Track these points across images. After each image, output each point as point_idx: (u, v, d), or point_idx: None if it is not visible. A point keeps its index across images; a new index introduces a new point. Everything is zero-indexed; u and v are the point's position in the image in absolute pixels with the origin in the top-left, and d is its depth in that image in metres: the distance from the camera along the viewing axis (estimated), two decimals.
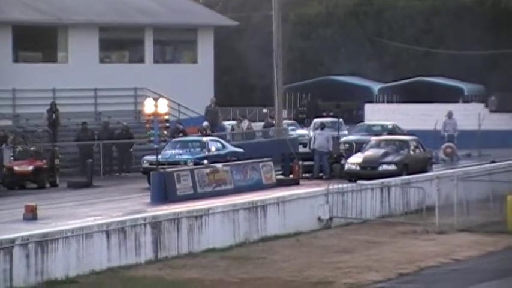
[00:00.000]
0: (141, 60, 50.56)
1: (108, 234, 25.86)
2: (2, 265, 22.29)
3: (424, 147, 43.74)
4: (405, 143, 42.67)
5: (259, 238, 29.83)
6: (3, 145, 41.74)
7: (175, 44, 54.42)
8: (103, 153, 43.84)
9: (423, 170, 40.95)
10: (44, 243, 23.84)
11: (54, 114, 44.37)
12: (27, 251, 22.78)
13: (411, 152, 42.04)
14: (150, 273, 25.19)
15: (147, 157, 41.45)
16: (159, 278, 24.81)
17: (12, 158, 42.21)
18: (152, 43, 51.00)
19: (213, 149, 42.23)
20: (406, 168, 40.51)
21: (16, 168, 40.69)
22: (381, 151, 41.65)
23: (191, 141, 43.40)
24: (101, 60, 49.73)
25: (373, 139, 44.29)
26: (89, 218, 29.73)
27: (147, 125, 40.00)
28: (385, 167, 40.70)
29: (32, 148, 41.97)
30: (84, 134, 44.76)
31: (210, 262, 26.97)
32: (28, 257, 22.89)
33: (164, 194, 37.23)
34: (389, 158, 40.81)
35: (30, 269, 23.01)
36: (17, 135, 43.52)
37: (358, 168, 40.64)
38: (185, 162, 40.53)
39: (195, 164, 40.27)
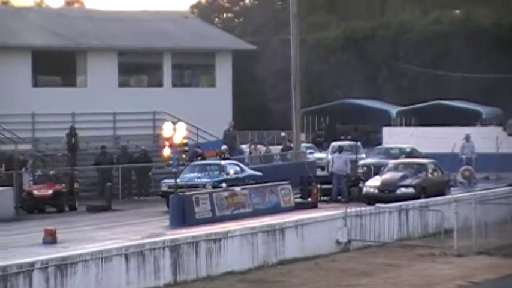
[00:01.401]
0: (160, 84, 50.17)
1: (127, 257, 25.76)
2: None
3: (442, 170, 43.49)
4: (423, 166, 42.47)
5: (278, 261, 29.59)
6: (23, 169, 41.58)
7: (193, 68, 54.15)
8: (122, 177, 43.49)
9: (441, 193, 40.54)
10: (63, 266, 23.64)
11: (73, 138, 44.05)
12: (47, 274, 22.68)
13: (429, 175, 41.78)
14: None
15: (165, 180, 40.92)
16: None
17: (31, 182, 41.85)
18: (171, 67, 50.58)
19: (231, 172, 41.90)
20: (424, 191, 40.20)
21: (35, 192, 40.44)
22: (399, 174, 41.44)
23: (210, 165, 43.10)
24: (120, 84, 49.52)
25: (391, 162, 44.21)
26: (108, 242, 29.72)
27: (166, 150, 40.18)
28: (403, 190, 40.36)
29: (51, 172, 41.83)
30: (103, 158, 44.57)
31: (229, 285, 26.73)
32: (47, 280, 22.78)
33: (183, 217, 36.99)
34: (407, 181, 40.49)
35: None
36: (36, 159, 43.28)
37: (376, 191, 40.45)
38: (204, 186, 40.13)
39: (214, 187, 39.88)
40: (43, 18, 52.17)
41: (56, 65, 48.23)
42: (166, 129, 39.35)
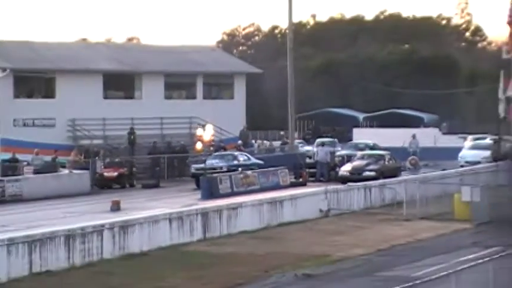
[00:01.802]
0: (194, 97, 50.09)
1: (170, 220, 25.89)
2: (96, 243, 22.51)
3: (395, 159, 43.71)
4: (382, 156, 42.66)
5: (278, 224, 29.42)
6: (96, 158, 41.48)
7: (218, 85, 53.56)
8: (167, 163, 43.38)
9: (395, 175, 40.13)
10: (125, 227, 24.06)
11: (132, 136, 44.13)
12: (113, 233, 22.95)
13: (386, 163, 41.95)
14: (200, 248, 25.00)
15: (194, 165, 41.69)
16: (206, 251, 24.61)
17: (102, 167, 41.99)
18: (202, 85, 50.61)
19: (241, 159, 42.39)
20: (383, 174, 40.05)
21: (105, 174, 40.81)
22: (364, 162, 41.54)
23: (226, 155, 43.61)
24: (166, 97, 49.49)
25: (359, 153, 44.44)
26: (157, 209, 29.67)
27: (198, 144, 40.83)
28: (367, 173, 40.58)
29: (116, 160, 42.08)
30: (154, 150, 44.58)
31: (243, 241, 26.86)
32: (114, 237, 23.05)
33: (210, 192, 37.07)
34: (370, 167, 40.78)
35: (115, 246, 23.25)
36: (106, 150, 43.73)
37: (348, 174, 40.54)
38: (221, 168, 40.45)
39: (228, 169, 40.47)
40: (111, 50, 52.55)
41: (120, 84, 48.34)
42: (199, 130, 41.36)
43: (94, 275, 20.44)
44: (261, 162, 43.83)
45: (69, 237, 21.66)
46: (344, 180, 38.79)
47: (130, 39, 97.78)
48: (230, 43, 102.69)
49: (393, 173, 41.22)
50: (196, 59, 52.87)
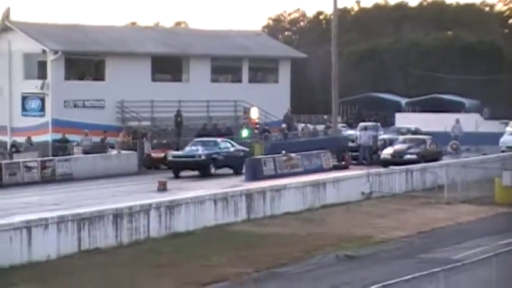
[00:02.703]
0: (240, 80, 50.19)
1: (215, 201, 25.99)
2: (142, 221, 22.81)
3: (437, 143, 43.63)
4: (423, 140, 42.64)
5: (320, 205, 29.51)
6: (144, 139, 41.79)
7: (263, 69, 53.50)
8: None
9: (436, 159, 40.47)
10: (171, 207, 24.20)
11: (179, 118, 44.42)
12: (160, 212, 23.20)
13: (427, 147, 41.89)
14: (244, 228, 25.15)
15: (171, 152, 40.38)
16: (250, 232, 24.74)
17: (150, 148, 42.42)
18: (247, 69, 50.62)
19: (222, 146, 39.57)
20: (424, 157, 40.13)
21: (153, 155, 41.01)
22: (406, 145, 41.52)
23: (208, 141, 40.48)
24: (212, 81, 49.72)
25: (401, 137, 44.34)
26: (201, 190, 30.47)
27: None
28: (409, 156, 40.58)
29: (163, 141, 42.58)
30: (203, 132, 44.72)
31: (286, 222, 26.83)
32: (160, 216, 23.27)
33: (254, 174, 36.94)
34: (412, 150, 40.75)
35: (162, 225, 23.43)
36: (153, 132, 44.04)
37: (390, 157, 40.57)
38: (199, 156, 37.93)
39: (206, 157, 37.98)
40: (159, 34, 52.96)
41: (168, 67, 48.66)
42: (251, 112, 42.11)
43: (142, 253, 20.69)
44: (245, 149, 41.39)
45: (117, 216, 22.02)
46: (386, 163, 38.92)
47: (178, 24, 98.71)
48: (275, 28, 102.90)
49: (434, 157, 41.12)
50: (242, 44, 53.25)
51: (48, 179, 35.64)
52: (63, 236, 19.89)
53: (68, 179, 35.97)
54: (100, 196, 29.83)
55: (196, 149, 38.67)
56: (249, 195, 27.25)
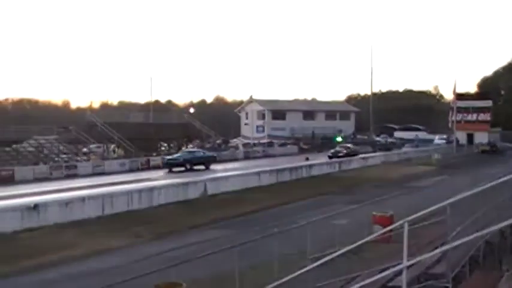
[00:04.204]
0: (335, 119, 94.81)
1: (327, 163, 45.70)
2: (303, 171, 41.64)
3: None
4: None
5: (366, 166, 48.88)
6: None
7: (343, 115, 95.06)
8: None
9: None
10: (312, 165, 43.82)
11: (313, 132, 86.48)
12: (306, 168, 43.41)
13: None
14: (337, 174, 43.32)
15: (165, 157, 55.77)
16: (341, 176, 42.54)
17: (302, 144, 77.46)
18: (339, 115, 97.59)
19: (196, 153, 55.04)
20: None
21: (304, 147, 73.58)
22: None
23: (192, 151, 58.01)
24: (326, 119, 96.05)
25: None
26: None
27: None
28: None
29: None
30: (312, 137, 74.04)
31: (355, 172, 44.62)
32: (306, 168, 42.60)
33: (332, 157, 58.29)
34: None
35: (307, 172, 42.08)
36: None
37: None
38: (180, 159, 53.14)
39: (183, 160, 52.04)
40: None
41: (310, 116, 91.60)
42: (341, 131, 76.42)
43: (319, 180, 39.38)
44: (214, 155, 55.98)
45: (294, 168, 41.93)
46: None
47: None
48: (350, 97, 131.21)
49: None
50: (335, 105, 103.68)
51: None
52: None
53: (267, 156, 63.23)
54: (286, 162, 51.24)
55: (179, 155, 53.64)
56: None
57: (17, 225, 22.76)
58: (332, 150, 61.84)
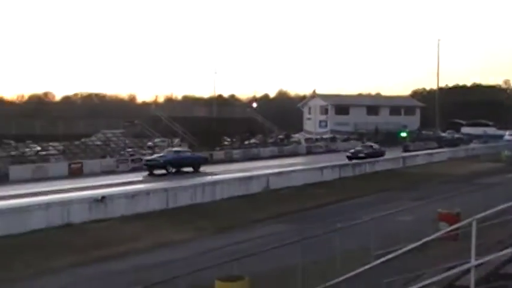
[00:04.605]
0: (399, 114, 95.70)
1: (389, 159, 45.70)
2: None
3: None
4: None
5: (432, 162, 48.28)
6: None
7: (408, 110, 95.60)
8: None
9: None
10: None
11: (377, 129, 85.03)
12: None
13: None
14: (403, 170, 43.06)
15: (145, 158, 48.29)
16: (406, 172, 42.49)
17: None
18: (404, 110, 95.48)
19: (182, 154, 46.88)
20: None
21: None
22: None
23: (177, 151, 48.20)
24: (390, 115, 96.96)
25: None
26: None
27: None
28: None
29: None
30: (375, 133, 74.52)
31: (420, 168, 43.73)
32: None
33: (405, 148, 59.68)
34: None
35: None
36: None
37: None
38: (159, 160, 45.16)
39: (164, 161, 44.33)
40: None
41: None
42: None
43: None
44: (204, 156, 48.81)
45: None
46: None
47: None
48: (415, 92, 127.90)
49: None
50: (401, 99, 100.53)
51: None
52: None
53: (329, 151, 62.79)
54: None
55: (159, 155, 46.04)
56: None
57: (85, 217, 23.43)
58: (352, 150, 55.15)
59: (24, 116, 68.60)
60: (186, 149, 51.08)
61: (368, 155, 50.63)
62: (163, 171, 43.78)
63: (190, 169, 44.86)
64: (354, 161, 46.49)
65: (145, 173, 44.27)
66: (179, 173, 43.34)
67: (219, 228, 22.38)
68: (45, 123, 57.26)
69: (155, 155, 46.48)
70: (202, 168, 46.12)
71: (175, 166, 44.20)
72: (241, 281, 9.15)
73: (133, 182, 37.14)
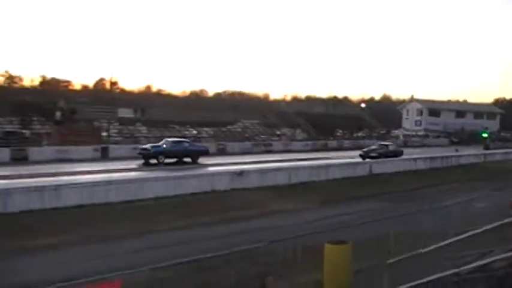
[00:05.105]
0: (482, 118, 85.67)
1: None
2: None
3: None
4: None
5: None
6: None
7: (490, 115, 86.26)
8: None
9: None
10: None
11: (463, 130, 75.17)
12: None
13: None
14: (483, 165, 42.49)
15: (141, 146, 37.96)
16: (489, 166, 39.68)
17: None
18: (486, 115, 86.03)
19: (187, 145, 37.15)
20: None
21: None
22: None
23: (177, 141, 37.60)
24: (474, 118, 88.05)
25: None
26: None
27: None
28: None
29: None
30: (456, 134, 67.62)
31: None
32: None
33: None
34: None
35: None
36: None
37: None
38: (149, 149, 35.50)
39: (163, 150, 34.94)
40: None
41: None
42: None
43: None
44: (205, 149, 38.66)
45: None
46: None
47: None
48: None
49: None
50: (484, 107, 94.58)
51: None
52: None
53: (422, 145, 61.45)
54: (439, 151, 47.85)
55: (153, 145, 36.45)
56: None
57: (227, 186, 23.94)
58: (365, 149, 43.33)
59: (185, 107, 69.75)
60: (184, 139, 40.93)
61: (381, 155, 40.32)
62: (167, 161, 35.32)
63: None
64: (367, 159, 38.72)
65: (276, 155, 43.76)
66: (178, 164, 35.12)
67: (325, 201, 21.69)
68: (200, 114, 59.81)
69: (148, 145, 37.50)
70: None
71: (169, 157, 35.27)
72: (346, 244, 9.24)
73: (267, 161, 37.03)
